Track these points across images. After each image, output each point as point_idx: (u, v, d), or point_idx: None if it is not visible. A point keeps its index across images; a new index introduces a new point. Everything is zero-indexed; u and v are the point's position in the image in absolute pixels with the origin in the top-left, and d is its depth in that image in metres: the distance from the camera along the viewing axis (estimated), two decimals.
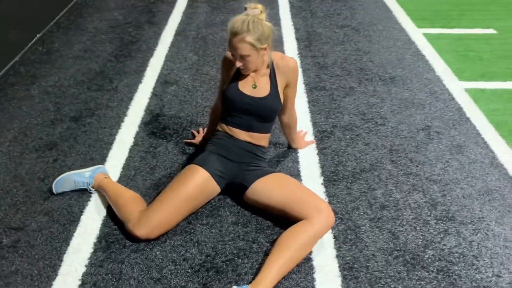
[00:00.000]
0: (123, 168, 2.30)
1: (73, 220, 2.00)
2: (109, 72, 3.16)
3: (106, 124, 2.62)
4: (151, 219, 1.86)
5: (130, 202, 1.96)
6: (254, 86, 2.01)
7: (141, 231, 1.85)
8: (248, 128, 2.03)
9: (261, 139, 2.08)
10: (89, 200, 2.10)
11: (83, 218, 2.01)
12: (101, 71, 3.17)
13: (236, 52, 1.88)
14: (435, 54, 3.38)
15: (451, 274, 1.77)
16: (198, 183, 1.93)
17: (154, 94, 2.90)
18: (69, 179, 2.13)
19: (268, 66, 2.02)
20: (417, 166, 2.32)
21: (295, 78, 2.07)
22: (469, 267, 1.80)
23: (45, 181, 2.21)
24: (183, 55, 3.37)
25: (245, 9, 1.90)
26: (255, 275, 1.75)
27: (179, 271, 1.78)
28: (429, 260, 1.83)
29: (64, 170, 2.26)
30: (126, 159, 2.36)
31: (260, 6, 1.90)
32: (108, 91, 2.93)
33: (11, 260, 1.81)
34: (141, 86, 2.99)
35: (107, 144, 2.46)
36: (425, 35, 3.67)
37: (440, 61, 3.29)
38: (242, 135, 2.04)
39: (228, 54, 2.09)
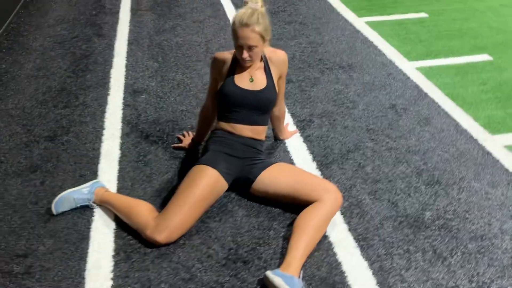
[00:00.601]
0: (118, 180, 2.27)
1: (83, 237, 1.96)
2: (71, 88, 3.06)
3: (86, 139, 2.56)
4: (170, 223, 1.87)
5: (142, 210, 1.96)
6: (251, 80, 2.08)
7: (161, 236, 1.86)
8: (250, 122, 2.10)
9: (262, 132, 2.16)
10: (94, 216, 2.06)
11: (92, 234, 1.98)
12: (62, 88, 3.06)
13: (246, 43, 1.94)
14: (381, 40, 3.66)
15: (451, 229, 1.98)
16: (209, 183, 1.97)
17: (127, 105, 2.87)
18: (69, 198, 2.07)
19: (261, 60, 2.11)
20: (394, 141, 2.53)
21: (286, 70, 2.18)
22: (464, 220, 2.02)
23: (39, 204, 2.13)
24: (143, 64, 3.35)
25: (246, 3, 1.97)
26: (280, 258, 1.84)
27: (207, 268, 1.81)
28: (429, 220, 2.02)
29: (56, 190, 2.19)
30: (119, 171, 2.33)
31: (260, 0, 1.98)
32: (77, 107, 2.85)
33: (30, 287, 1.74)
34: (110, 98, 2.93)
35: (94, 159, 2.41)
36: (368, 23, 3.95)
37: (387, 46, 3.56)
38: (245, 130, 2.11)
39: (219, 54, 2.15)
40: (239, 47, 1.99)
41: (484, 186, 2.21)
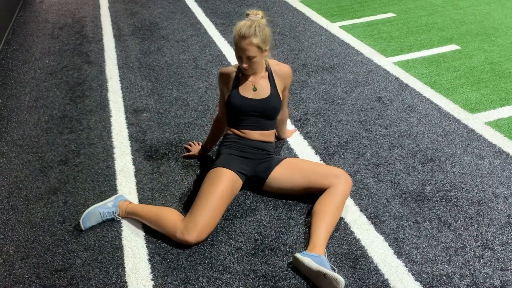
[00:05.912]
0: (138, 192, 2.40)
1: (116, 247, 2.07)
2: (73, 114, 3.17)
3: (98, 159, 2.67)
4: (198, 222, 2.02)
5: (168, 215, 2.09)
6: (254, 89, 2.25)
7: (192, 236, 2.00)
8: (258, 127, 2.26)
9: (270, 135, 2.32)
10: (122, 226, 2.18)
11: (124, 242, 2.10)
12: (64, 115, 3.17)
13: (244, 54, 2.09)
14: (356, 41, 3.91)
15: (451, 199, 2.19)
16: (228, 182, 2.12)
17: (130, 124, 3.00)
18: (95, 213, 2.18)
19: (266, 70, 2.28)
20: (386, 129, 2.75)
21: (290, 82, 2.35)
22: (461, 190, 2.24)
23: (67, 223, 2.23)
24: (137, 85, 3.49)
25: (247, 15, 2.13)
26: (303, 243, 2.01)
27: (239, 259, 1.96)
28: (430, 194, 2.23)
29: (80, 208, 2.31)
30: (136, 184, 2.46)
31: (261, 12, 2.15)
32: (83, 131, 2.96)
33: None
34: (113, 120, 3.06)
35: (110, 176, 2.53)
36: (341, 27, 4.21)
37: (363, 46, 3.82)
38: (254, 134, 2.27)
39: (224, 69, 2.30)
40: (239, 57, 2.15)
41: (473, 159, 2.44)
